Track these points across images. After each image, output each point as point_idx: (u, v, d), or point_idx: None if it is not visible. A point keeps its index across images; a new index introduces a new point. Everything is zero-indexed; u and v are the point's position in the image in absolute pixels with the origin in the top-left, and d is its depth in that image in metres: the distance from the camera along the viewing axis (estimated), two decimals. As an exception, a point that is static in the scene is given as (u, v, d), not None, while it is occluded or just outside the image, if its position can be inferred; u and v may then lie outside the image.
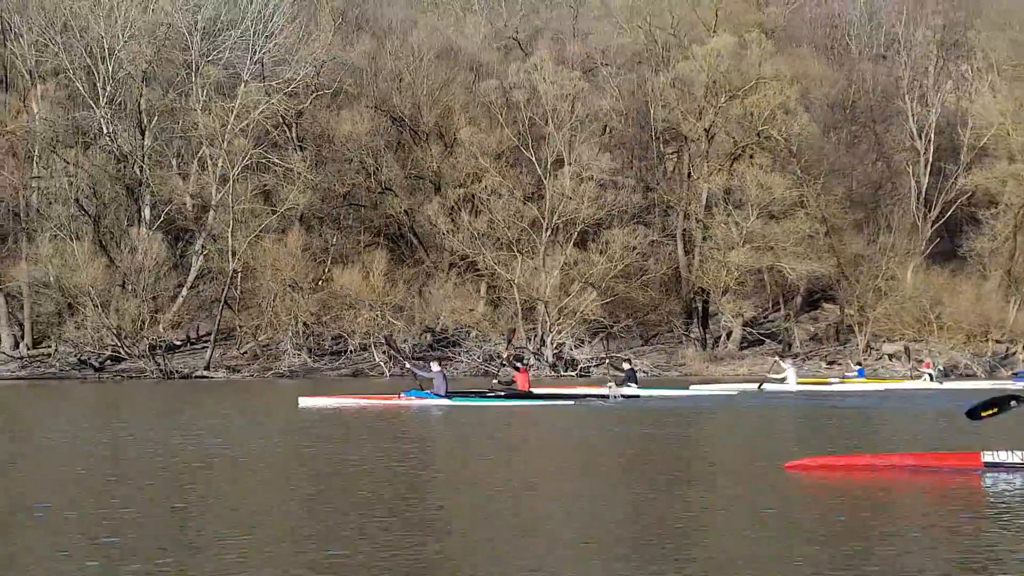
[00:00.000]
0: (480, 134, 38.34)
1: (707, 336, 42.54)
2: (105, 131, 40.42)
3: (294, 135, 42.18)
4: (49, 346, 41.63)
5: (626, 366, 26.43)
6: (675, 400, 22.93)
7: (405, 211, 40.70)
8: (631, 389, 22.87)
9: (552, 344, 38.36)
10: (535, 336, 39.12)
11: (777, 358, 33.30)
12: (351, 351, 39.15)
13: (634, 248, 36.82)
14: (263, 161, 40.29)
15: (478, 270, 40.62)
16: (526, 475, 9.01)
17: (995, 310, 38.42)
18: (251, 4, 41.06)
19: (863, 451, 9.99)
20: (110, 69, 39.65)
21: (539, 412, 18.49)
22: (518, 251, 37.95)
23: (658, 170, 42.32)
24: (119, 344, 38.40)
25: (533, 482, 8.47)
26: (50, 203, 38.74)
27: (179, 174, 41.22)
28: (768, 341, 42.93)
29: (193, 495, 7.55)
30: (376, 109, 40.88)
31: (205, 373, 38.75)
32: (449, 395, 19.46)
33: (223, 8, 41.20)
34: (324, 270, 39.73)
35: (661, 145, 42.22)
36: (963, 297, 38.08)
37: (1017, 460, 7.96)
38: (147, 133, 41.18)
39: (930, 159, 43.93)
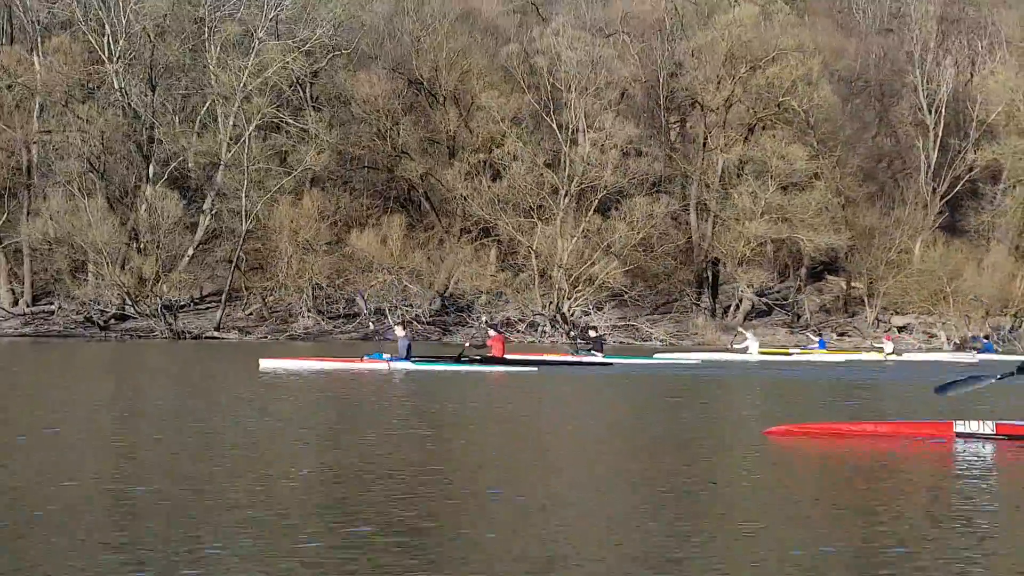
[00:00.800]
0: (500, 98, 38.08)
1: (716, 305, 42.96)
2: (116, 87, 39.80)
3: (309, 95, 41.71)
4: (50, 303, 41.27)
5: (592, 334, 26.29)
6: (641, 368, 22.83)
7: (421, 176, 40.46)
8: (597, 357, 22.70)
9: (570, 311, 38.53)
10: (551, 304, 39.25)
11: (740, 328, 34.12)
12: (365, 314, 39.13)
13: (652, 216, 36.88)
14: (277, 121, 39.92)
15: (492, 235, 40.63)
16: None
17: (1005, 283, 39.08)
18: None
19: (836, 420, 10.40)
20: (123, 23, 38.96)
21: (500, 378, 18.33)
22: (538, 218, 37.92)
23: (675, 139, 42.33)
24: (131, 303, 38.09)
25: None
26: (62, 158, 38.09)
27: (192, 132, 40.63)
28: (777, 311, 43.44)
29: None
30: (393, 71, 40.49)
31: (216, 334, 38.57)
32: (411, 359, 19.49)
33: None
34: (336, 233, 39.50)
35: (679, 114, 42.25)
36: (980, 271, 38.63)
37: (987, 431, 8.44)
38: (158, 90, 40.71)
39: (940, 134, 44.25)
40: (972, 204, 44.35)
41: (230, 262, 39.72)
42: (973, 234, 43.80)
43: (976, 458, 7.81)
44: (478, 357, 20.64)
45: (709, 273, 42.73)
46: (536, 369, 19.71)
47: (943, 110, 44.05)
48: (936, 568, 4.09)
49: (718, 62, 39.51)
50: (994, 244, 42.79)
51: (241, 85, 38.39)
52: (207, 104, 40.28)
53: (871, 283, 41.07)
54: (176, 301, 38.89)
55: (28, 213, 39.08)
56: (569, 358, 22.56)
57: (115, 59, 39.37)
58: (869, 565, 4.13)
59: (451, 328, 39.01)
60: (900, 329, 40.79)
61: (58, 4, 39.52)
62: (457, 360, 19.75)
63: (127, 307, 38.74)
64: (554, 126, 38.47)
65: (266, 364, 19.29)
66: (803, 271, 44.09)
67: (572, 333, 32.28)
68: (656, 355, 27.22)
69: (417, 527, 4.68)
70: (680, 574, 4.02)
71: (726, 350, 29.02)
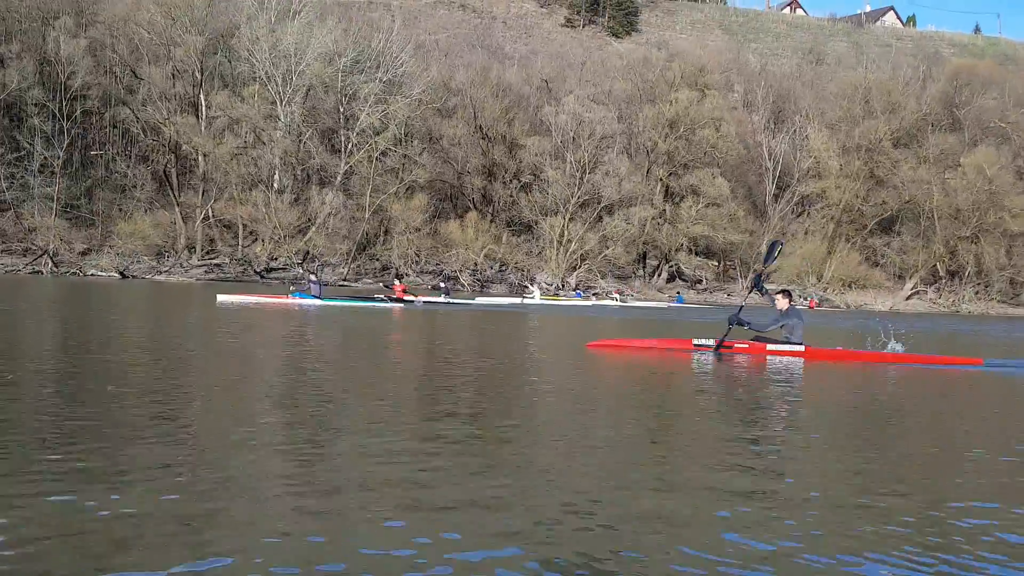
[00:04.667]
0: (543, 141, 60.57)
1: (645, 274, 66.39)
2: (284, 121, 59.79)
3: (407, 133, 62.97)
4: (214, 257, 59.75)
5: (441, 284, 34.68)
6: (466, 307, 30.02)
7: (482, 189, 62.39)
8: (441, 298, 31.35)
9: (575, 277, 61.10)
10: (561, 272, 61.63)
11: (528, 283, 49.96)
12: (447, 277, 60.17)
13: (640, 219, 60.32)
14: (392, 150, 60.89)
15: (528, 228, 62.98)
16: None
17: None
18: (380, 45, 61.45)
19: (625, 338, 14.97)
20: (292, 80, 59.16)
21: (381, 311, 24.43)
22: (568, 219, 60.64)
23: (647, 173, 65.79)
24: (301, 263, 57.96)
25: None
26: (256, 167, 58.07)
27: (325, 150, 60.97)
28: (677, 279, 67.05)
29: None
30: (469, 121, 62.48)
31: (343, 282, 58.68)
32: (323, 297, 26.11)
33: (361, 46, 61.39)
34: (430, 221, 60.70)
35: (647, 155, 65.74)
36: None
37: (711, 343, 12.90)
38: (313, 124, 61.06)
39: (777, 174, 69.87)
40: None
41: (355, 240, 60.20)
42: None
43: (704, 358, 12.09)
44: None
45: (651, 256, 66.32)
46: (403, 305, 27.55)
47: (780, 160, 69.68)
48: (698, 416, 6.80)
49: (670, 124, 63.18)
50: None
51: (369, 123, 59.22)
52: (345, 134, 60.81)
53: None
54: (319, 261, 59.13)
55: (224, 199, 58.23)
56: (437, 298, 31.40)
57: (284, 103, 59.48)
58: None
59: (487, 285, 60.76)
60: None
61: (252, 62, 59.35)
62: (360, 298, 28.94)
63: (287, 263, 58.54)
64: (572, 161, 61.14)
65: (221, 299, 24.88)
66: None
67: (438, 282, 42.21)
68: (476, 298, 38.52)
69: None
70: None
71: (522, 296, 41.81)
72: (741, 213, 64.94)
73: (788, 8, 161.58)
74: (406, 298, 29.51)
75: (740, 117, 69.59)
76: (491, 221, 63.04)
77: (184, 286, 44.00)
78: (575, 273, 60.98)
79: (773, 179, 70.01)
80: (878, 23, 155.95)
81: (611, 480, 4.54)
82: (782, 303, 13.10)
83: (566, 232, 61.03)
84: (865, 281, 64.74)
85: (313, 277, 27.38)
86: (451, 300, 31.69)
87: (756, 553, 3.45)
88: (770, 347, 12.86)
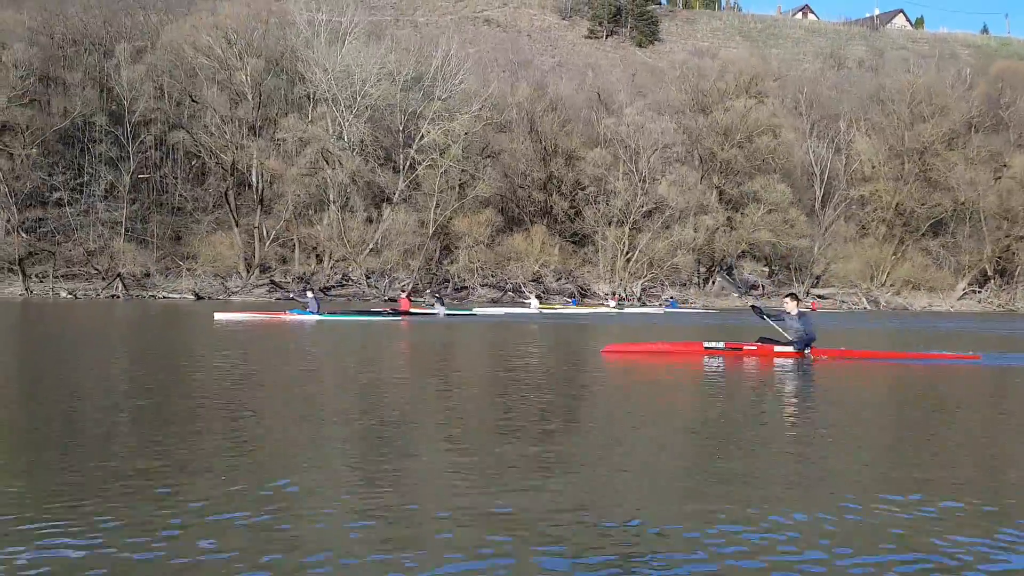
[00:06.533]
0: (604, 153, 60.98)
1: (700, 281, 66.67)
2: (348, 142, 60.16)
3: (465, 148, 63.28)
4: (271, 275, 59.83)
5: (436, 296, 36.84)
6: (466, 318, 30.28)
7: (542, 203, 62.76)
8: (442, 310, 31.66)
9: (639, 286, 61.34)
10: (623, 282, 61.91)
11: (528, 292, 51.08)
12: (512, 289, 60.43)
13: (707, 228, 60.69)
14: (457, 166, 61.25)
15: (583, 238, 63.28)
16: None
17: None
18: (440, 64, 61.91)
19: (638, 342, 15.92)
20: (358, 100, 59.59)
21: (380, 324, 24.30)
22: (630, 228, 60.94)
23: (701, 180, 66.20)
24: (363, 281, 58.21)
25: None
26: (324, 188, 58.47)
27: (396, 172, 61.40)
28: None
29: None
30: (527, 134, 62.85)
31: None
32: (320, 313, 26.02)
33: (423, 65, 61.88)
34: (494, 235, 61.02)
35: (702, 163, 66.09)
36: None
37: (721, 346, 13.29)
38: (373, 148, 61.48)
39: (825, 179, 70.27)
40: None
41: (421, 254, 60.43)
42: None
43: (713, 360, 12.47)
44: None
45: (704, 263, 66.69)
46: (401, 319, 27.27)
47: (828, 165, 70.07)
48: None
49: (728, 131, 63.59)
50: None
51: (432, 140, 59.61)
52: (405, 151, 61.10)
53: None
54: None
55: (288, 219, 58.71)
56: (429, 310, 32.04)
57: (347, 123, 59.89)
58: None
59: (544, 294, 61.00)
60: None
61: (315, 84, 59.76)
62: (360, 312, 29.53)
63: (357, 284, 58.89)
64: (633, 171, 61.50)
65: (219, 316, 24.25)
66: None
67: (435, 294, 44.01)
68: (476, 309, 37.24)
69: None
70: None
71: (522, 304, 42.89)
72: (803, 218, 65.20)
73: (800, 13, 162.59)
74: (414, 311, 29.63)
75: (787, 123, 70.01)
76: (548, 233, 63.45)
77: (261, 304, 44.18)
78: (639, 282, 61.29)
79: (821, 184, 70.29)
80: (888, 26, 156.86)
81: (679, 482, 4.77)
82: (791, 306, 13.41)
83: (625, 241, 61.37)
84: (932, 282, 65.06)
85: (311, 294, 27.41)
86: (450, 312, 31.67)
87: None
88: (778, 348, 13.09)
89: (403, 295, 31.60)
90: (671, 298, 56.08)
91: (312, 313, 25.62)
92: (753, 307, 13.95)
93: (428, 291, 47.80)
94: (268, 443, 5.70)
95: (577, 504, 4.14)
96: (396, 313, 28.55)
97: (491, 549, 3.48)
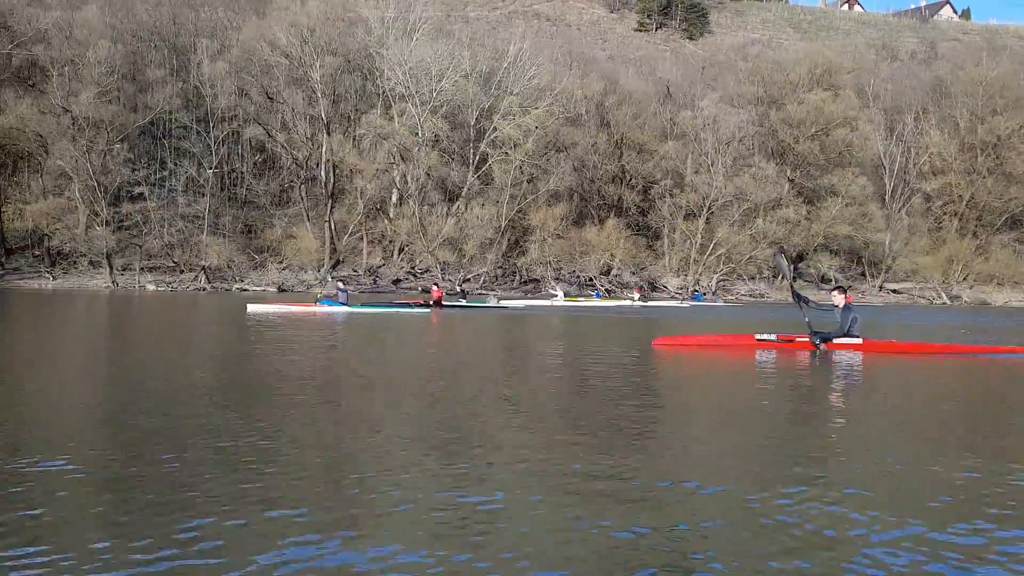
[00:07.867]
0: (680, 146, 61.07)
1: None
2: (422, 139, 60.76)
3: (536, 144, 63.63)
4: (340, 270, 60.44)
5: (459, 288, 38.48)
6: (498, 310, 30.00)
7: (615, 196, 63.02)
8: (462, 301, 32.24)
9: (715, 279, 61.37)
10: (694, 274, 61.95)
11: (552, 282, 51.29)
12: (586, 281, 60.64)
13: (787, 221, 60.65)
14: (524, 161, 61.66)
15: (654, 231, 63.45)
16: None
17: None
18: (512, 59, 62.32)
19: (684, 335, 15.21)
20: (434, 96, 60.14)
21: (415, 316, 23.94)
22: (704, 222, 61.00)
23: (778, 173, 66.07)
24: (444, 276, 58.85)
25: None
26: (406, 182, 59.12)
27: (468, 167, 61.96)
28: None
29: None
30: (599, 128, 63.04)
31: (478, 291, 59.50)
32: (351, 305, 26.19)
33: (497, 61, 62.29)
34: (568, 227, 61.37)
35: (777, 156, 65.91)
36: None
37: (773, 338, 13.31)
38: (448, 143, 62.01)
39: (895, 171, 69.61)
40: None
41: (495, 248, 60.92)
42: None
43: (766, 352, 12.60)
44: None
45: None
46: (429, 310, 27.07)
47: (897, 158, 69.41)
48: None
49: (802, 124, 63.33)
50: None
51: (506, 135, 60.02)
52: (477, 146, 61.58)
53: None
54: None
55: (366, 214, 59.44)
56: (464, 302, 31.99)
57: (423, 119, 60.42)
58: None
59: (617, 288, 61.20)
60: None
61: (392, 80, 60.40)
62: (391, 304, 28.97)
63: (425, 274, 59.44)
64: (709, 162, 61.53)
65: (251, 309, 24.46)
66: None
67: (459, 286, 44.32)
68: (502, 301, 34.69)
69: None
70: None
71: (550, 297, 42.14)
72: (880, 212, 64.81)
73: (845, 4, 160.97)
74: (446, 302, 29.58)
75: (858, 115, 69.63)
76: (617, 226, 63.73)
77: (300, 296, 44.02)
78: (715, 276, 61.33)
79: (891, 176, 69.67)
80: (936, 17, 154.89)
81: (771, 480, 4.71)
82: (839, 299, 13.49)
83: (699, 235, 61.45)
84: (1016, 277, 64.47)
85: (341, 285, 27.30)
86: (470, 304, 31.62)
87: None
88: (833, 341, 13.18)
89: (435, 287, 31.32)
90: (695, 291, 56.05)
91: (342, 305, 25.70)
92: (793, 292, 13.84)
93: (456, 284, 47.21)
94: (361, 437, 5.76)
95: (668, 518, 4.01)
96: (426, 305, 28.38)
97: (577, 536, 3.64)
